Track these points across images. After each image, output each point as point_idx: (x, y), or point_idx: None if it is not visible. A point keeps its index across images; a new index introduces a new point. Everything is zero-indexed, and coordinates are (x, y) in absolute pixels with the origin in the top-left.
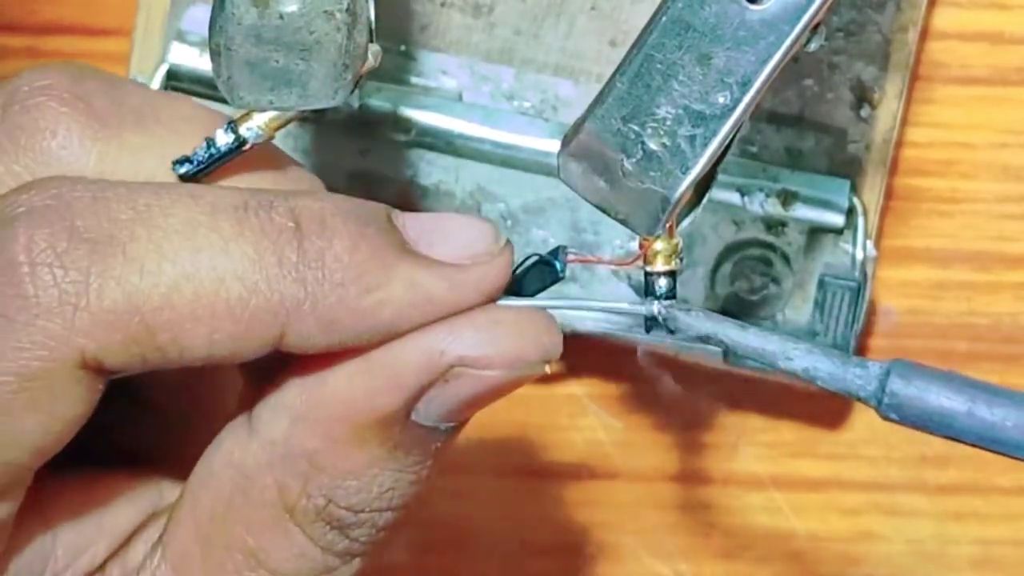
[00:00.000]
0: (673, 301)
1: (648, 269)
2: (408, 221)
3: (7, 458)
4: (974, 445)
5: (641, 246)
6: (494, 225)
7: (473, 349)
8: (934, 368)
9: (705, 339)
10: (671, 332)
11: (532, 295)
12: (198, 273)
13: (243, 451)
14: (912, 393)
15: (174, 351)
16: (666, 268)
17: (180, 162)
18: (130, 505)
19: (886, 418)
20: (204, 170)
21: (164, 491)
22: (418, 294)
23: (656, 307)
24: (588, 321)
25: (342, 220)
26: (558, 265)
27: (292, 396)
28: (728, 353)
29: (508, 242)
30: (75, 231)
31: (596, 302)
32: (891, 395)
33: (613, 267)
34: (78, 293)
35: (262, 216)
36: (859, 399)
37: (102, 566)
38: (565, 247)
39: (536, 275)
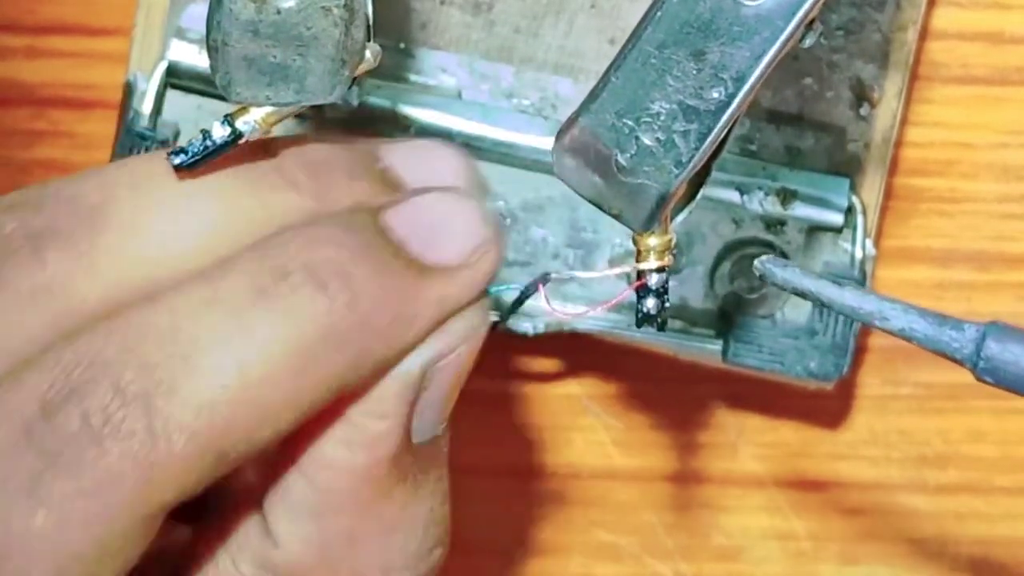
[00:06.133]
0: (771, 256)
1: (641, 265)
2: (400, 225)
3: None
4: None
5: (634, 241)
6: (480, 205)
7: (437, 348)
8: None
9: (801, 294)
10: (661, 328)
11: (514, 311)
12: (249, 384)
13: (271, 555)
14: (1008, 357)
15: (249, 451)
16: (659, 263)
17: (176, 152)
18: None
19: (981, 380)
20: (199, 161)
21: None
22: (446, 308)
23: (756, 262)
24: (588, 321)
25: (360, 267)
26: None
27: (302, 492)
28: (726, 352)
29: (496, 218)
30: (121, 391)
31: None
32: (987, 359)
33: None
34: (146, 451)
35: (285, 292)
36: (955, 361)
37: None
38: (548, 275)
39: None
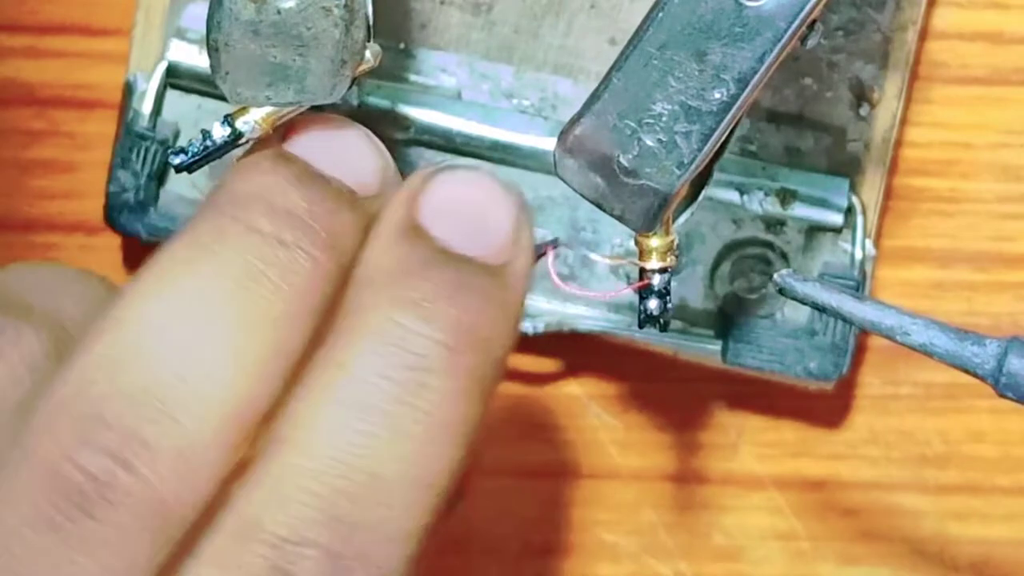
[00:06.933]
0: (791, 270)
1: (644, 266)
2: (444, 226)
3: None
4: None
5: (637, 242)
6: (506, 192)
7: None
8: None
9: (821, 308)
10: (664, 329)
11: None
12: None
13: None
14: None
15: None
16: (662, 264)
17: (176, 153)
18: None
19: (1003, 396)
20: (198, 162)
21: None
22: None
23: (776, 276)
24: (588, 320)
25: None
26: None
27: None
28: (726, 352)
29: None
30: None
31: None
32: (1009, 374)
33: (613, 263)
34: None
35: (423, 391)
36: (976, 376)
37: None
38: (557, 240)
39: None
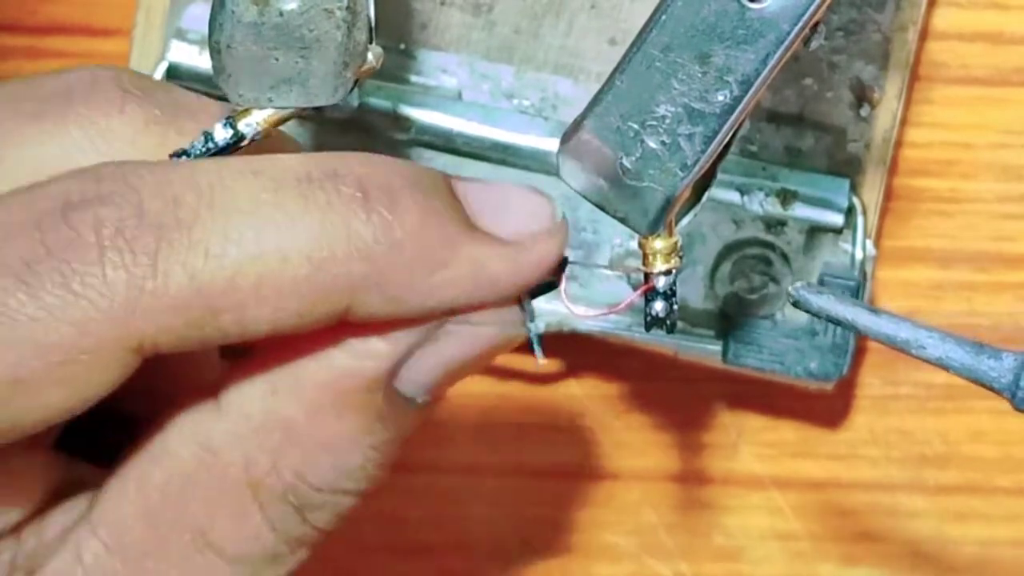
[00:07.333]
0: (806, 283)
1: (647, 268)
2: (470, 193)
3: (17, 423)
4: None
5: (640, 245)
6: (551, 199)
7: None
8: None
9: (836, 321)
10: (671, 331)
11: (537, 296)
12: (263, 253)
13: (209, 427)
14: None
15: (236, 330)
16: (665, 267)
17: (177, 155)
18: (48, 470)
19: (1020, 410)
20: None
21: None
22: (482, 275)
23: (790, 289)
24: (588, 321)
25: (410, 192)
26: (554, 280)
27: (272, 366)
28: (726, 353)
29: (563, 216)
30: (143, 215)
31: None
32: None
33: (624, 273)
34: (144, 277)
35: (328, 188)
36: (992, 390)
37: (16, 530)
38: (567, 259)
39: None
